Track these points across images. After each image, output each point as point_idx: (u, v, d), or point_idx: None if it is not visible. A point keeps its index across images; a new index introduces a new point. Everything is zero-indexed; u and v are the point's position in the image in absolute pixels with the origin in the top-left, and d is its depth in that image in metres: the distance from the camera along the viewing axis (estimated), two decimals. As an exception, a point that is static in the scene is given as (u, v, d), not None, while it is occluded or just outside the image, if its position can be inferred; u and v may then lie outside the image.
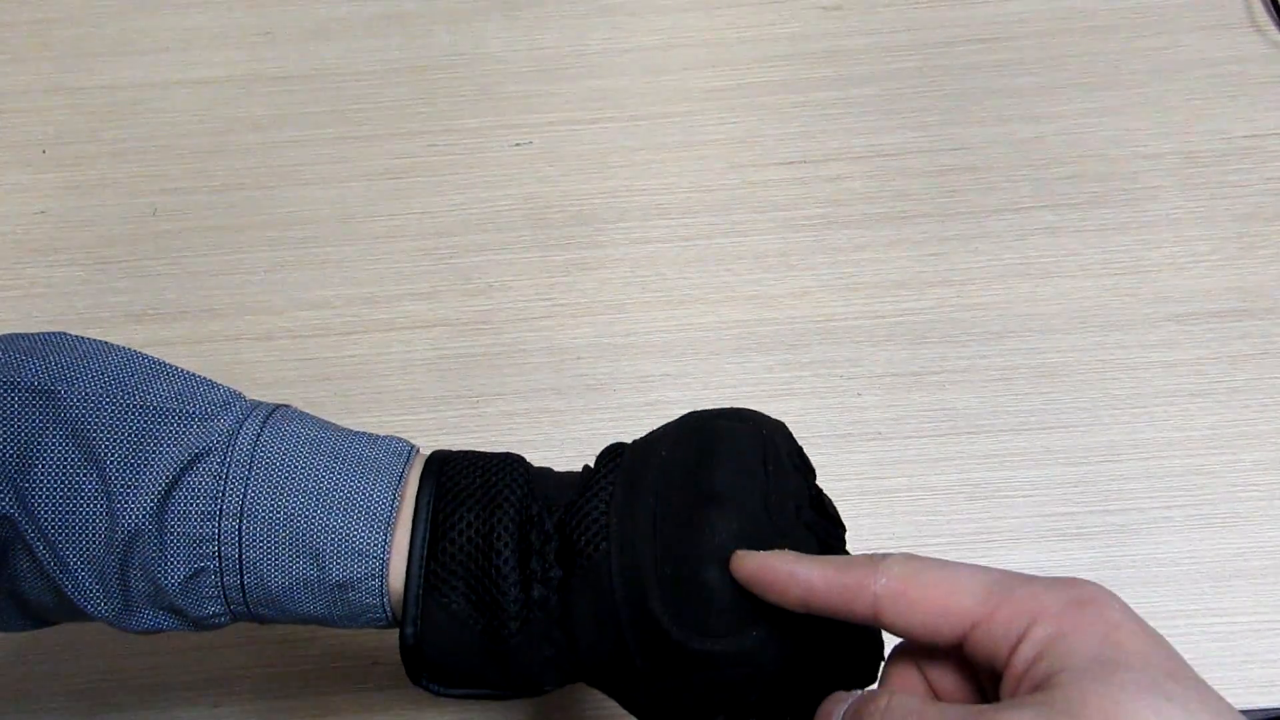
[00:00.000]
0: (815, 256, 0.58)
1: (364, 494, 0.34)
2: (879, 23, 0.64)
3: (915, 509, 0.52)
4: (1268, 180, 0.59)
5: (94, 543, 0.32)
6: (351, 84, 0.64)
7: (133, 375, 0.34)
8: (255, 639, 0.51)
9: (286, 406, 0.36)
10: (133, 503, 0.32)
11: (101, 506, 0.32)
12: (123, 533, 0.32)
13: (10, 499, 0.32)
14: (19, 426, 0.32)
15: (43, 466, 0.32)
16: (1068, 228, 0.58)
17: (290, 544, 0.33)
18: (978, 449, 0.53)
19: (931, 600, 0.27)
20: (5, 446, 0.32)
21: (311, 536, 0.33)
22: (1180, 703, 0.24)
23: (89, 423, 0.32)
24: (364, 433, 0.36)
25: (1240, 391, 0.55)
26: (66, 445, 0.32)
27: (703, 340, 0.56)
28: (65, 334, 0.35)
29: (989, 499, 0.52)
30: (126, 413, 0.33)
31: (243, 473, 0.33)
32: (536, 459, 0.38)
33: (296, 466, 0.34)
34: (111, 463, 0.32)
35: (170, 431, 0.33)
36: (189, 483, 0.33)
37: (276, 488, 0.33)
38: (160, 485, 0.32)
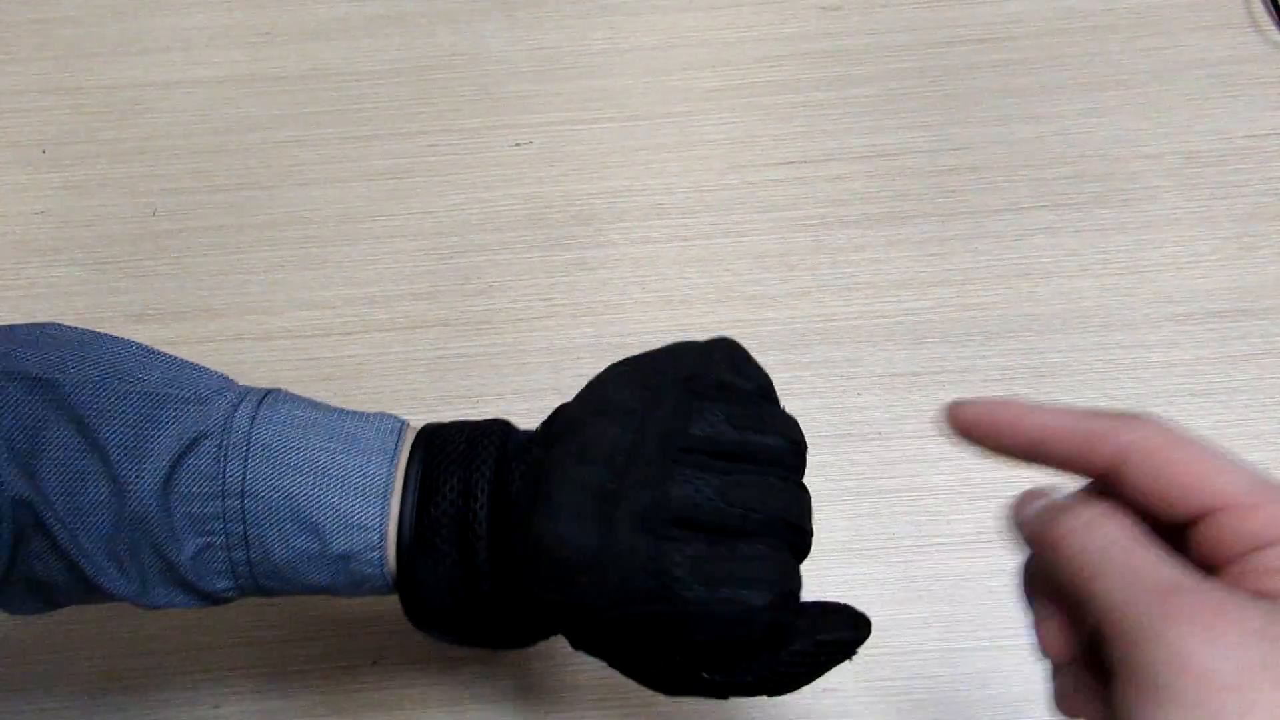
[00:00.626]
0: (815, 256, 0.58)
1: (360, 470, 0.35)
2: (879, 23, 0.64)
3: (915, 509, 0.52)
4: (1268, 180, 0.59)
5: (104, 524, 0.33)
6: (351, 84, 0.64)
7: (126, 361, 0.35)
8: (255, 639, 0.51)
9: (278, 390, 0.37)
10: (138, 484, 0.33)
11: (108, 489, 0.33)
12: (130, 514, 0.33)
13: (26, 484, 0.33)
14: (23, 414, 0.33)
15: (49, 452, 0.33)
16: (1068, 228, 0.58)
17: (292, 520, 0.34)
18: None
19: (1189, 469, 0.25)
20: (14, 435, 0.33)
21: (312, 513, 0.34)
22: None
23: (89, 409, 0.34)
24: (355, 411, 0.37)
25: (1240, 391, 0.55)
26: (69, 431, 0.34)
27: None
28: (57, 324, 0.36)
29: (989, 499, 0.52)
30: (124, 399, 0.34)
31: (241, 452, 0.34)
32: (536, 459, 0.38)
33: (292, 446, 0.35)
34: (113, 447, 0.33)
35: (168, 415, 0.34)
36: (190, 464, 0.34)
37: (275, 466, 0.35)
38: (162, 468, 0.33)
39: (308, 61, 0.64)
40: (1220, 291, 0.57)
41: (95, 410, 0.34)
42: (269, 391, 0.37)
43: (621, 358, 0.38)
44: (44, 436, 0.33)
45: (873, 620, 0.33)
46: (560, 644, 0.37)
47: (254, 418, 0.35)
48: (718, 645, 0.32)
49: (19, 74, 0.65)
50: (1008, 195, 0.59)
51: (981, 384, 0.55)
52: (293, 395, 0.37)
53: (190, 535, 0.34)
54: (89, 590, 0.35)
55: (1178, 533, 0.26)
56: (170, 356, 0.37)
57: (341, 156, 0.62)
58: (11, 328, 0.36)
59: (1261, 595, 0.23)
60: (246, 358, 0.57)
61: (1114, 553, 0.25)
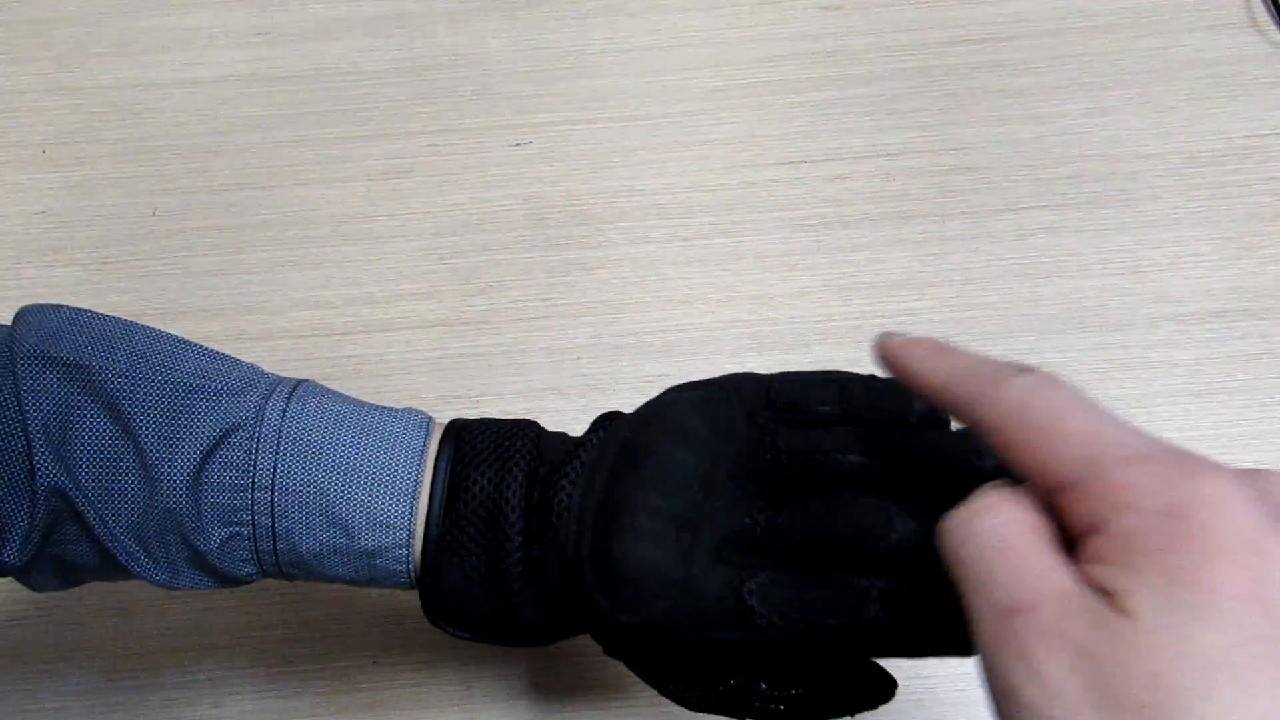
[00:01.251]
0: (815, 256, 0.58)
1: (389, 467, 0.35)
2: (879, 23, 0.64)
3: (915, 509, 0.52)
4: (1268, 180, 0.59)
5: (134, 511, 0.34)
6: (351, 84, 0.64)
7: (159, 351, 0.36)
8: (255, 639, 0.51)
9: (308, 382, 0.38)
10: (169, 475, 0.34)
11: (139, 477, 0.34)
12: (161, 503, 0.34)
13: (61, 471, 0.33)
14: (58, 399, 0.34)
15: (82, 439, 0.34)
16: (1068, 228, 0.58)
17: (321, 514, 0.35)
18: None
19: (1029, 447, 0.23)
20: (49, 419, 0.34)
21: (341, 509, 0.35)
22: (1265, 689, 0.19)
23: (123, 397, 0.34)
24: (384, 406, 0.38)
25: (1240, 391, 0.55)
26: (102, 418, 0.34)
27: (703, 340, 0.56)
28: (90, 311, 0.37)
29: (989, 499, 0.52)
30: (159, 388, 0.35)
31: (272, 446, 0.35)
32: (536, 459, 0.38)
33: (324, 441, 0.35)
34: (146, 436, 0.34)
35: (201, 406, 0.35)
36: (221, 456, 0.34)
37: (305, 461, 0.35)
38: (194, 458, 0.34)
39: (308, 61, 0.64)
40: (1220, 291, 0.57)
41: (129, 399, 0.34)
42: (299, 383, 0.37)
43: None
44: (77, 422, 0.34)
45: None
46: (563, 643, 0.37)
47: (285, 411, 0.36)
48: (789, 668, 0.33)
49: (19, 74, 0.65)
50: (1008, 195, 0.59)
51: (981, 384, 0.55)
52: (322, 387, 0.38)
53: (218, 525, 0.35)
54: (116, 572, 0.35)
55: None
56: (201, 347, 0.37)
57: (341, 156, 0.62)
58: (44, 311, 0.36)
59: (1101, 590, 0.21)
60: (246, 358, 0.56)
61: (989, 546, 0.23)
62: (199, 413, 0.35)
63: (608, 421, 0.38)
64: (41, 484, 0.33)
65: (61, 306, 0.36)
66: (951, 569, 0.24)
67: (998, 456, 0.25)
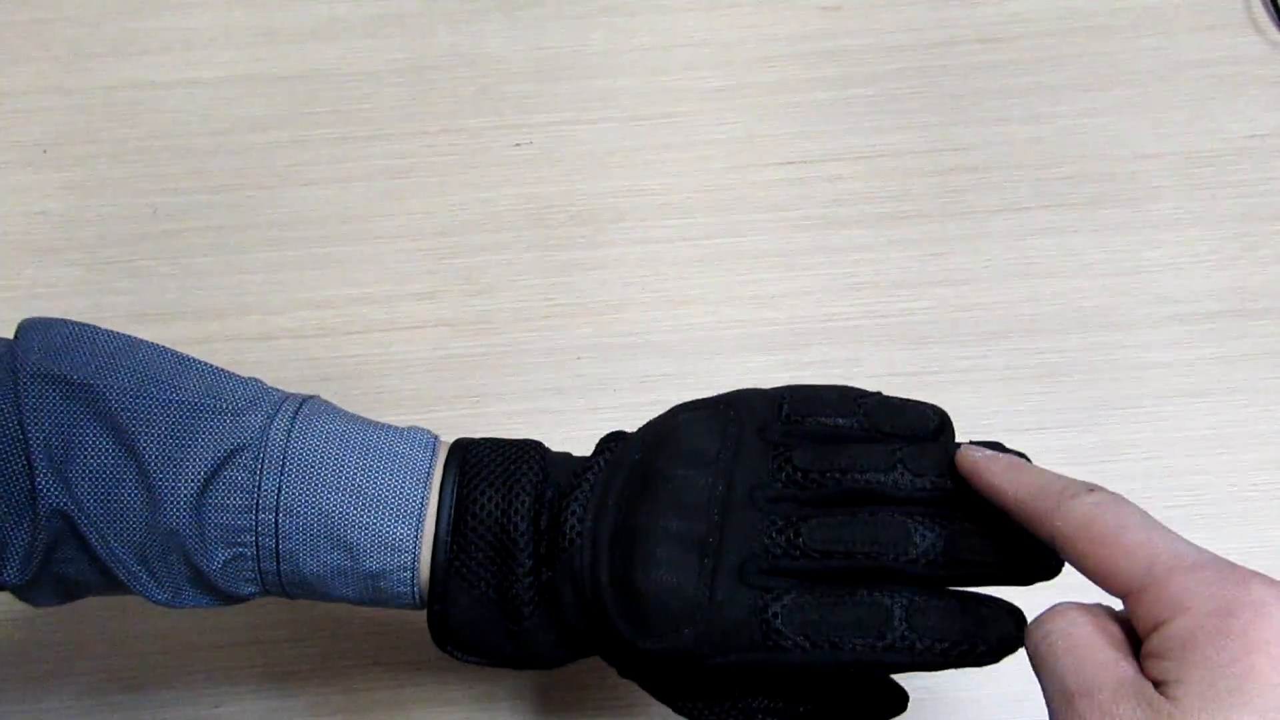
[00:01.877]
0: (815, 256, 0.58)
1: (394, 490, 0.35)
2: (879, 23, 0.64)
3: (915, 509, 0.52)
4: (1268, 180, 0.59)
5: (136, 531, 0.34)
6: (351, 84, 0.64)
7: (163, 370, 0.36)
8: (255, 639, 0.51)
9: (313, 398, 0.38)
10: (172, 495, 0.34)
11: (141, 497, 0.34)
12: (163, 523, 0.34)
13: (63, 493, 0.33)
14: (60, 418, 0.34)
15: (84, 458, 0.33)
16: (1068, 228, 0.58)
17: (325, 537, 0.35)
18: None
19: (1099, 558, 0.27)
20: (50, 438, 0.33)
21: (345, 531, 0.35)
22: None
23: (126, 416, 0.34)
24: (389, 425, 0.38)
25: (1240, 391, 0.55)
26: (105, 437, 0.34)
27: (703, 340, 0.56)
28: (94, 326, 0.36)
29: (989, 499, 0.52)
30: (163, 408, 0.34)
31: (277, 467, 0.35)
32: (537, 459, 0.38)
33: (329, 462, 0.35)
34: (149, 456, 0.34)
35: (205, 426, 0.35)
36: (225, 477, 0.34)
37: (311, 483, 0.35)
38: (198, 479, 0.34)
39: (308, 61, 0.64)
40: (1220, 291, 0.57)
41: (132, 418, 0.34)
42: (304, 401, 0.37)
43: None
44: (79, 441, 0.34)
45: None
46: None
47: (290, 431, 0.35)
48: (804, 685, 0.34)
49: (19, 74, 0.65)
50: (1008, 195, 0.59)
51: (981, 384, 0.55)
52: (327, 405, 0.38)
53: (221, 546, 0.34)
54: (118, 590, 0.35)
55: None
56: (205, 364, 0.37)
57: (341, 156, 0.62)
58: (47, 325, 0.36)
59: (1159, 681, 0.25)
60: (246, 358, 0.57)
61: (1062, 647, 0.27)
62: (203, 432, 0.34)
63: (613, 443, 0.37)
64: (43, 505, 0.33)
65: (65, 321, 0.36)
66: (1032, 665, 0.28)
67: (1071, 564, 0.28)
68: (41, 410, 0.33)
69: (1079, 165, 0.60)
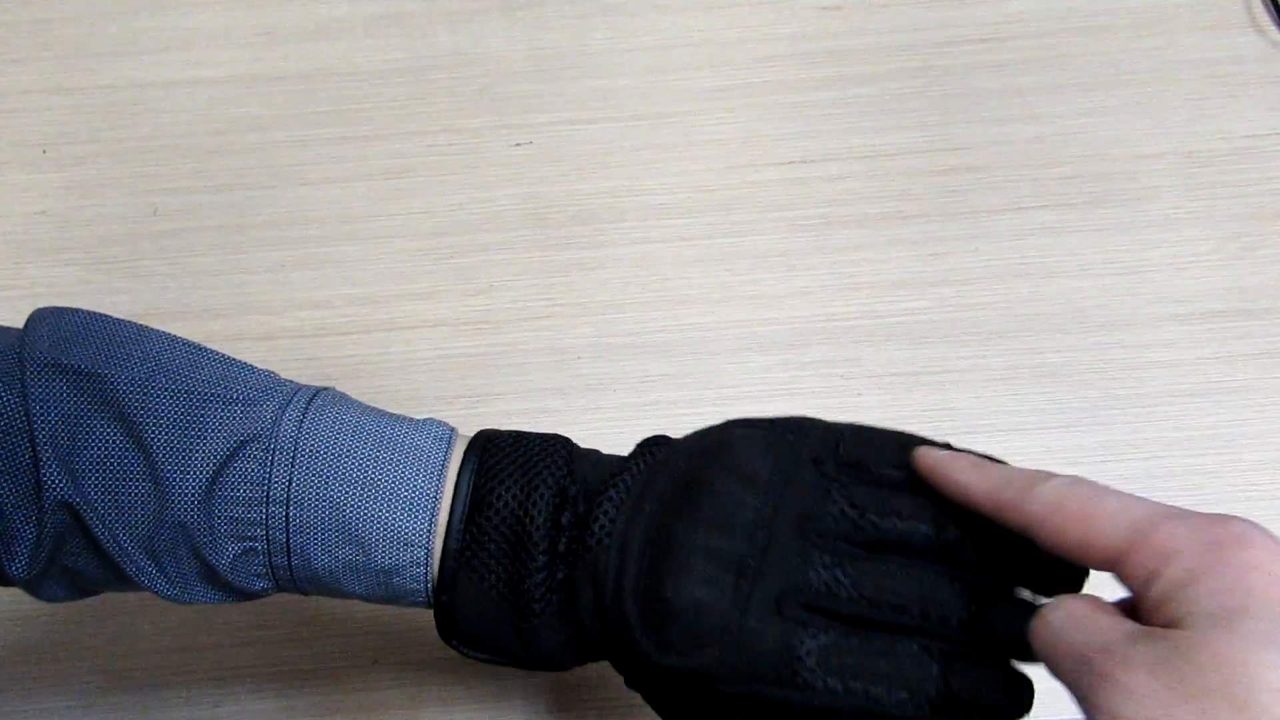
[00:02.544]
0: (815, 256, 0.58)
1: (408, 483, 0.34)
2: (879, 23, 0.64)
3: (915, 509, 0.52)
4: (1268, 180, 0.59)
5: (144, 524, 0.33)
6: (351, 84, 0.64)
7: (175, 359, 0.35)
8: (255, 639, 0.51)
9: (328, 390, 0.37)
10: (181, 487, 0.33)
11: (149, 489, 0.33)
12: (172, 516, 0.33)
13: (69, 485, 0.33)
14: (67, 409, 0.33)
15: (91, 450, 0.33)
16: (1068, 228, 0.58)
17: (337, 531, 0.34)
18: (978, 449, 0.53)
19: (1076, 529, 0.28)
20: (57, 431, 0.33)
21: (358, 525, 0.34)
22: None
23: (135, 406, 0.33)
24: (404, 417, 0.37)
25: (1240, 391, 0.55)
26: (113, 428, 0.33)
27: (703, 340, 0.56)
28: (105, 315, 0.36)
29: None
30: (172, 398, 0.34)
31: (288, 459, 0.34)
32: (536, 459, 0.37)
33: (341, 454, 0.34)
34: (158, 447, 0.33)
35: (215, 417, 0.34)
36: (235, 468, 0.34)
37: (322, 475, 0.34)
38: (207, 470, 0.33)
39: (308, 61, 0.64)
40: (1220, 291, 0.57)
41: (141, 409, 0.33)
42: (317, 392, 0.36)
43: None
44: (86, 433, 0.33)
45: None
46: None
47: (301, 422, 0.35)
48: None
49: (19, 74, 0.65)
50: (1008, 195, 0.59)
51: (981, 384, 0.55)
52: (341, 396, 0.37)
53: (231, 540, 0.34)
54: (126, 585, 0.35)
55: None
56: (218, 354, 0.36)
57: (341, 156, 0.62)
58: (58, 314, 0.35)
59: (1167, 625, 0.26)
60: (246, 358, 0.56)
61: (1068, 625, 0.28)
62: (213, 423, 0.34)
63: (654, 447, 0.36)
64: (49, 498, 0.32)
65: (76, 310, 0.36)
66: (1045, 658, 0.28)
67: (1047, 546, 0.29)
68: (48, 401, 0.33)
69: (1079, 165, 0.60)
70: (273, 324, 0.57)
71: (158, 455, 0.33)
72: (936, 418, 0.54)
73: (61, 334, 0.34)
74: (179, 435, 0.33)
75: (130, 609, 0.52)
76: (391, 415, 0.37)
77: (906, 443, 0.33)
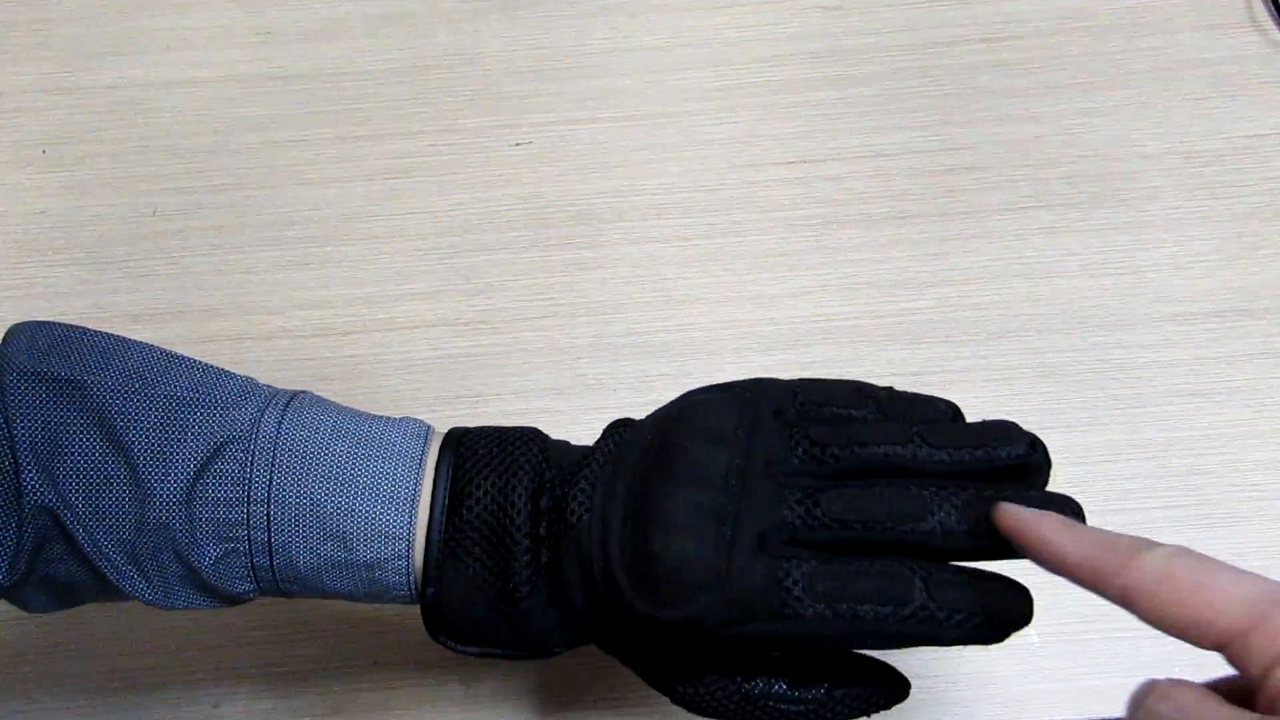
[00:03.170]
0: (815, 256, 0.58)
1: (387, 477, 0.35)
2: (879, 23, 0.64)
3: (915, 509, 0.52)
4: (1268, 180, 0.59)
5: (125, 528, 0.34)
6: (351, 84, 0.64)
7: (153, 367, 0.35)
8: (255, 639, 0.51)
9: (303, 393, 0.38)
10: (162, 490, 0.33)
11: (130, 493, 0.33)
12: (153, 519, 0.33)
13: (49, 489, 0.33)
14: (48, 416, 0.33)
15: (72, 456, 0.33)
16: (1067, 228, 0.58)
17: (318, 528, 0.35)
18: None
19: (1188, 606, 0.26)
20: (37, 437, 0.33)
21: (338, 521, 0.35)
22: None
23: (115, 412, 0.34)
24: (380, 416, 0.37)
25: (1240, 391, 0.55)
26: (93, 434, 0.34)
27: (703, 340, 0.56)
28: (83, 327, 0.36)
29: (989, 499, 0.52)
30: (152, 402, 0.34)
31: (267, 459, 0.34)
32: (536, 459, 0.38)
33: (320, 452, 0.35)
34: (139, 451, 0.33)
35: (195, 420, 0.34)
36: (216, 469, 0.34)
37: (302, 473, 0.35)
38: (188, 472, 0.34)
39: (308, 61, 0.64)
40: (1220, 291, 0.57)
41: (121, 414, 0.34)
42: (294, 395, 0.37)
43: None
44: (67, 438, 0.33)
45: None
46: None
47: (280, 423, 0.35)
48: (811, 668, 0.34)
49: (19, 74, 0.65)
50: (1008, 195, 0.59)
51: (981, 384, 0.55)
52: (318, 398, 0.38)
53: (213, 541, 0.34)
54: (109, 592, 0.35)
55: None
56: (196, 362, 0.37)
57: (341, 156, 0.62)
58: (35, 327, 0.36)
59: None
60: (246, 358, 0.57)
61: (1177, 718, 0.25)
62: (193, 426, 0.34)
63: (621, 428, 0.37)
64: (29, 503, 0.33)
65: (53, 323, 0.36)
66: None
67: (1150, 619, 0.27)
68: (28, 408, 0.33)
69: (1079, 165, 0.60)
70: (273, 324, 0.57)
71: (139, 459, 0.33)
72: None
73: (39, 346, 0.35)
74: (159, 439, 0.34)
75: (130, 609, 0.52)
76: (368, 415, 0.37)
77: (860, 387, 0.35)
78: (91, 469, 0.33)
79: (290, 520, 0.34)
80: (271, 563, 0.35)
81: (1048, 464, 0.33)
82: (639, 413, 0.38)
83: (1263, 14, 0.63)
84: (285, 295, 0.58)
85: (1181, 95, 0.61)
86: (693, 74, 0.63)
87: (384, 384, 0.56)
